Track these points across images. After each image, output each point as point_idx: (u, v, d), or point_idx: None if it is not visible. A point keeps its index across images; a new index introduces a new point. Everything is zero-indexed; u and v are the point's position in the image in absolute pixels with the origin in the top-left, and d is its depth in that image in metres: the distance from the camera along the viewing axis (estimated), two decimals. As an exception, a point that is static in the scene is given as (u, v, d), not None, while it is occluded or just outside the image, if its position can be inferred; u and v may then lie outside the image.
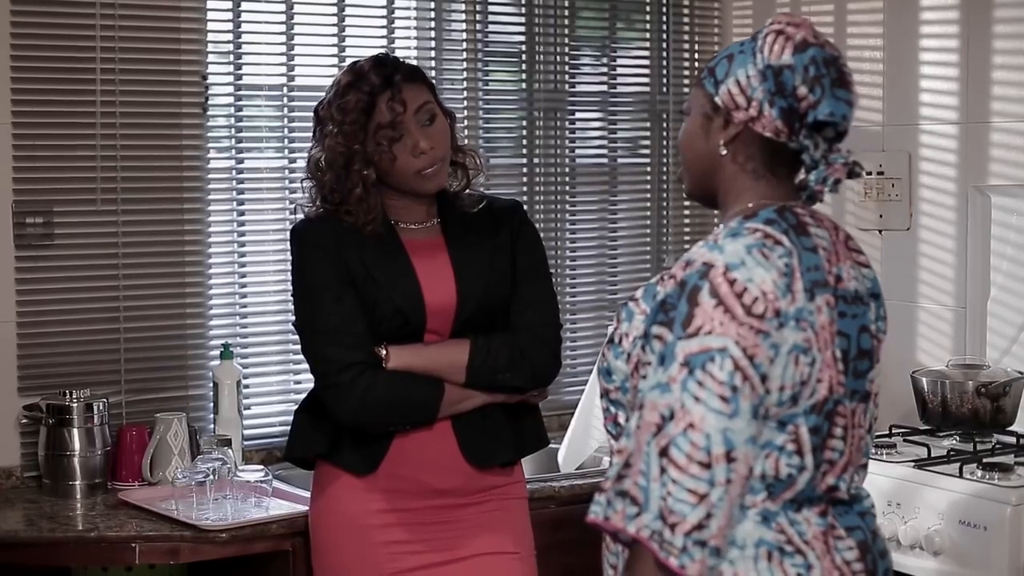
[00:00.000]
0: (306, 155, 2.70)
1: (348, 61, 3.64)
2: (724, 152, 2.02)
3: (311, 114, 3.04)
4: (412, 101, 2.64)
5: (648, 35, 4.18)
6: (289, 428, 2.82)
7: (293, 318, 2.80)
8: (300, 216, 2.75)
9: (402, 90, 2.64)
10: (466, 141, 3.68)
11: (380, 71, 2.66)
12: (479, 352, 2.66)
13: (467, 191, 2.79)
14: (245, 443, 3.48)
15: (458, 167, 2.76)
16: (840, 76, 1.98)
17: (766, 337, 1.86)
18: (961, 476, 3.02)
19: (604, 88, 4.14)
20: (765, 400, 1.88)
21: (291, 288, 2.76)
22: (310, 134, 3.61)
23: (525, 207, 3.86)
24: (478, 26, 3.89)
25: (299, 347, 3.22)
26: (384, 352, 2.63)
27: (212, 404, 3.46)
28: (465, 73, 3.86)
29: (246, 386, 3.50)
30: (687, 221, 4.25)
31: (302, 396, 3.56)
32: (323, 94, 3.77)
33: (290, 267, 2.76)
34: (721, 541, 1.85)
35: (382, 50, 3.70)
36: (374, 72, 2.66)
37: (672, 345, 1.87)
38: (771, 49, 1.98)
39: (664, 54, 4.17)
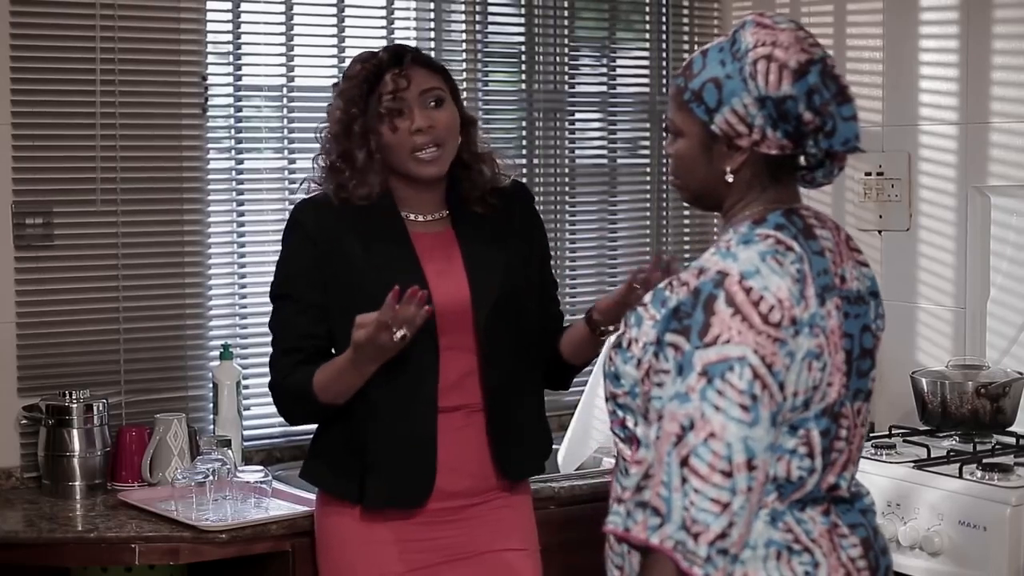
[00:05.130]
0: (307, 155, 2.68)
1: (348, 62, 3.68)
2: (731, 179, 2.01)
3: (311, 114, 3.06)
4: (419, 81, 2.62)
5: (648, 35, 4.18)
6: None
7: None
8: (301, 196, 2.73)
9: (409, 68, 2.63)
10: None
11: (392, 50, 2.67)
12: None
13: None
14: (245, 444, 3.48)
15: (471, 171, 2.70)
16: (839, 89, 1.95)
17: (783, 345, 1.86)
18: (961, 477, 3.02)
19: (604, 88, 4.14)
20: (782, 407, 1.88)
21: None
22: (310, 134, 3.63)
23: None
24: (478, 26, 3.89)
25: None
26: None
27: (212, 404, 3.46)
28: (465, 73, 3.86)
29: (246, 386, 3.49)
30: (687, 221, 4.25)
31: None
32: (323, 94, 3.78)
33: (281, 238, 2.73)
34: (740, 548, 1.87)
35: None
36: (386, 51, 2.67)
37: (690, 355, 1.87)
38: (766, 79, 1.93)
39: (664, 54, 4.17)
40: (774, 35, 1.96)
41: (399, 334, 2.42)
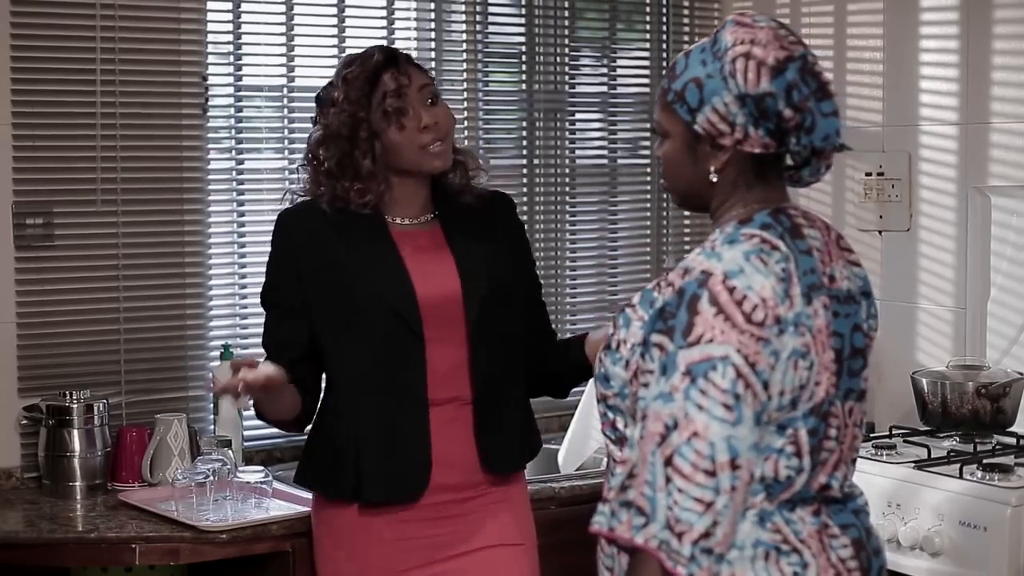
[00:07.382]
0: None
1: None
2: (715, 179, 2.01)
3: (311, 115, 3.01)
4: (415, 79, 2.66)
5: (648, 35, 4.18)
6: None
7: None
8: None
9: (406, 67, 2.66)
10: (465, 142, 3.70)
11: (382, 51, 2.69)
12: None
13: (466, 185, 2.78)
14: (245, 444, 3.48)
15: (458, 164, 2.74)
16: (820, 85, 1.96)
17: (767, 344, 1.86)
18: (961, 477, 3.02)
19: (604, 89, 4.14)
20: (767, 406, 1.88)
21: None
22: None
23: (525, 207, 3.92)
24: (478, 26, 3.89)
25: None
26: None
27: (212, 405, 3.47)
28: (465, 74, 3.86)
29: (246, 387, 3.49)
30: (687, 221, 4.25)
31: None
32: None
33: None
34: (725, 547, 1.86)
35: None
36: (378, 52, 2.68)
37: (673, 354, 1.87)
38: (745, 77, 1.93)
39: (664, 54, 4.17)
40: (753, 33, 1.96)
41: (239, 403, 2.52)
